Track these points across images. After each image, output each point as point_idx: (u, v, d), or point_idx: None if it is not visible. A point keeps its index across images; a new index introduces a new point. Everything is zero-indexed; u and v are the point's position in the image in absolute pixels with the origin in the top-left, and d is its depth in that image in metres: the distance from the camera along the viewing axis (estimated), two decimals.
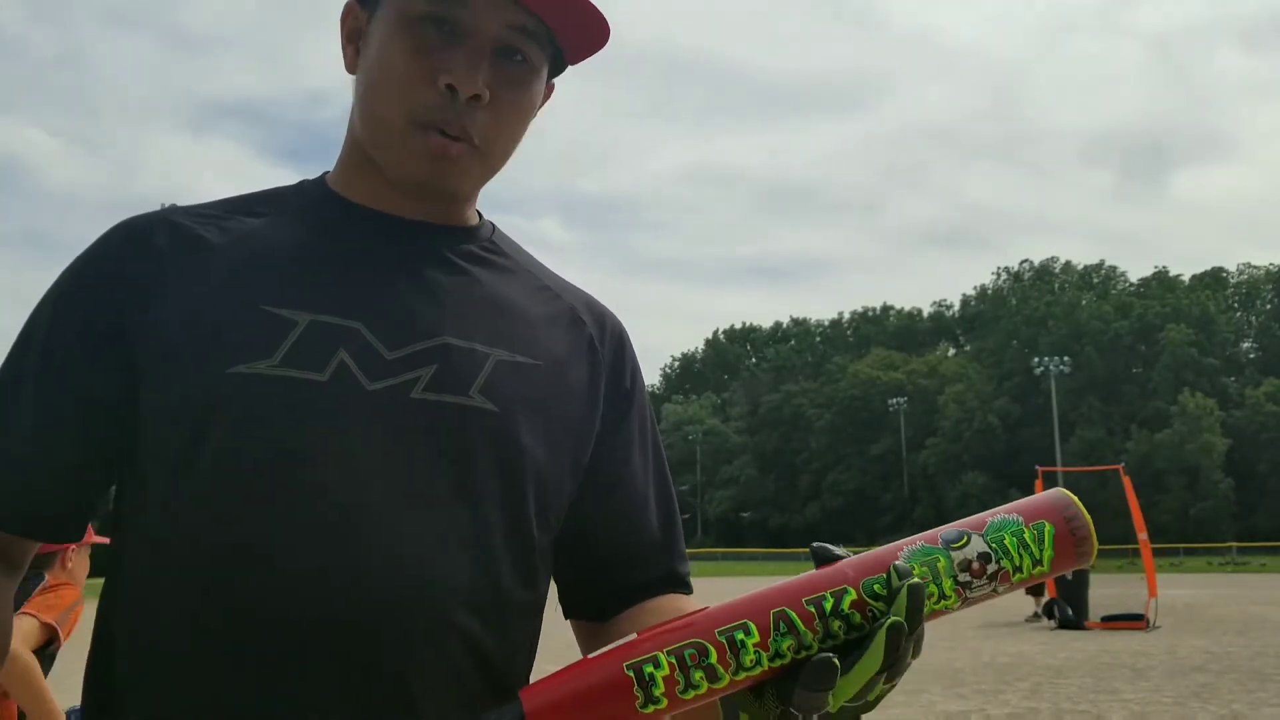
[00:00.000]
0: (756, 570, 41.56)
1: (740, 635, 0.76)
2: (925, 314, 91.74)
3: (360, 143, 0.98)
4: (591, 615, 1.05)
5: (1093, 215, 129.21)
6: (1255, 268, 77.72)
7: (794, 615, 0.76)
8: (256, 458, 0.86)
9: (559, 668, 0.76)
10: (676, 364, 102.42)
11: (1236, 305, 76.57)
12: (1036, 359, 58.69)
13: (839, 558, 0.80)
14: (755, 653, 0.75)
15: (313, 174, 1.04)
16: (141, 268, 0.92)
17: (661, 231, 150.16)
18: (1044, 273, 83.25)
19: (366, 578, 0.85)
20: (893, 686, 0.78)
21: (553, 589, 1.05)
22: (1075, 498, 0.86)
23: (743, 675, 0.76)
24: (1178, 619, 15.72)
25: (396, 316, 0.93)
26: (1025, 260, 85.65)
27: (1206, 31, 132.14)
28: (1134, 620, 14.41)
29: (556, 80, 1.04)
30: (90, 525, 1.79)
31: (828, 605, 0.77)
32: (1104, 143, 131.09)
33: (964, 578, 0.80)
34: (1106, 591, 19.62)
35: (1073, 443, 60.40)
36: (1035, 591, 15.28)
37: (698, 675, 0.75)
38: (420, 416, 0.90)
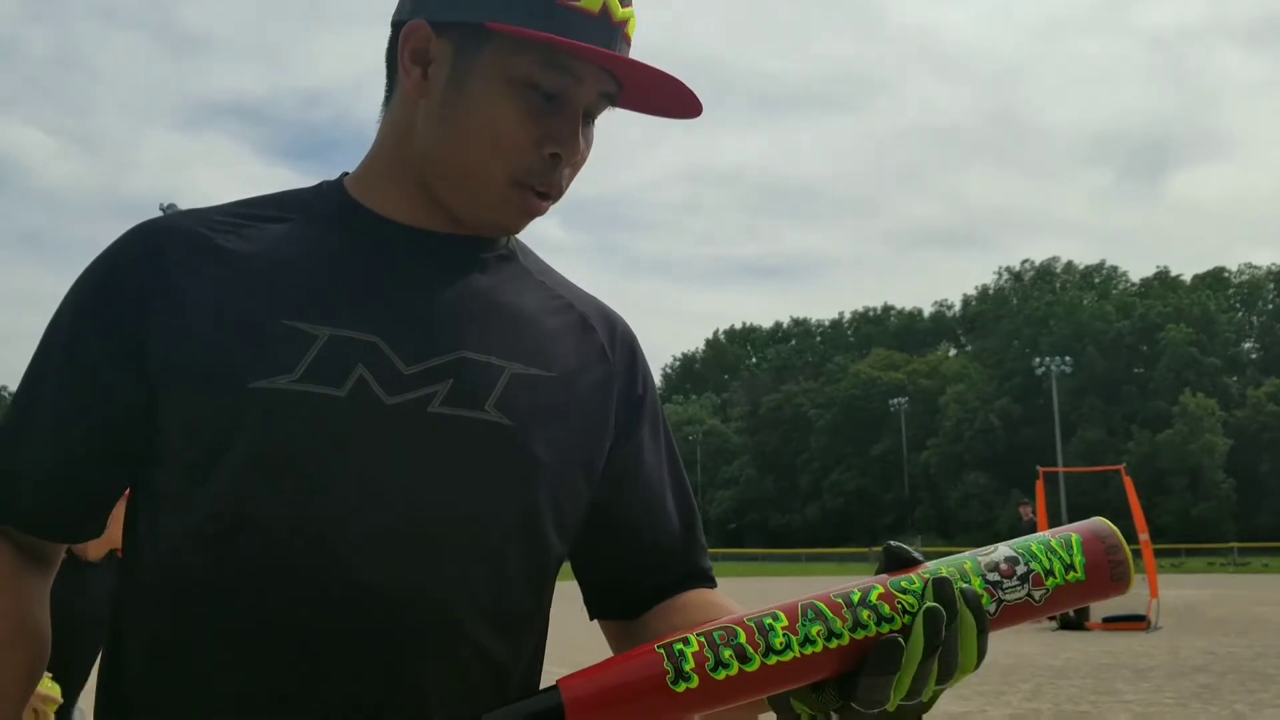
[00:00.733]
0: (757, 570, 41.37)
1: (768, 620, 0.79)
2: (926, 314, 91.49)
3: (413, 166, 0.99)
4: (621, 614, 1.09)
5: (1093, 215, 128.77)
6: (1256, 267, 77.53)
7: (821, 604, 0.80)
8: (275, 472, 0.87)
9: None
10: (676, 364, 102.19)
11: (1238, 305, 76.35)
12: (1038, 359, 58.43)
13: (916, 560, 0.84)
14: (784, 635, 0.78)
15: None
16: (160, 277, 0.92)
17: (661, 231, 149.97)
18: (1045, 273, 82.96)
19: (384, 589, 0.87)
20: (946, 687, 0.81)
21: (578, 592, 1.10)
22: (1107, 520, 0.89)
23: (773, 659, 0.77)
24: (1179, 619, 15.64)
25: (414, 330, 0.94)
26: (1026, 260, 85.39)
27: (1206, 31, 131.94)
28: (1135, 621, 14.32)
29: None
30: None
31: (855, 596, 0.80)
32: (1105, 142, 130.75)
33: (993, 577, 0.83)
34: None
35: (1074, 443, 60.22)
36: None
37: (727, 653, 0.77)
38: (437, 430, 0.91)
